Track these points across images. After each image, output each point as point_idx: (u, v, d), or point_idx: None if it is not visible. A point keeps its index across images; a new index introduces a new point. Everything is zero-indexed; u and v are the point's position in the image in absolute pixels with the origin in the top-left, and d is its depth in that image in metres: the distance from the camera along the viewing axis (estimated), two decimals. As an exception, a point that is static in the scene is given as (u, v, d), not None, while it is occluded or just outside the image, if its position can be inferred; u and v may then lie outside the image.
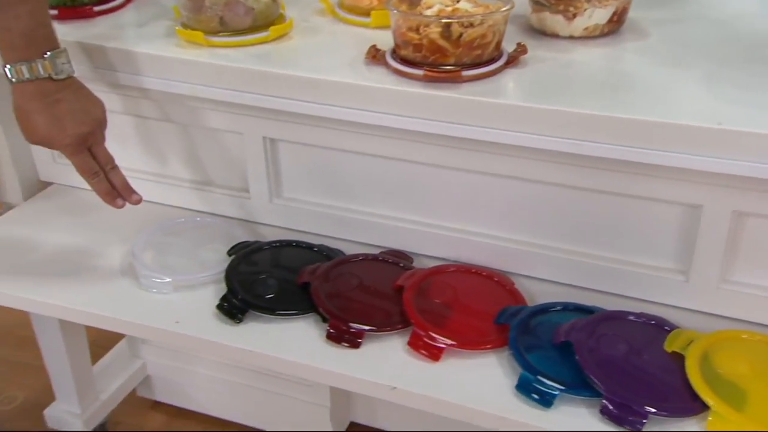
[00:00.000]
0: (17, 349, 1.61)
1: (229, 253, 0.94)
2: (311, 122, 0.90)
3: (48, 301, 0.89)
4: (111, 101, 0.91)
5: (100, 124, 0.87)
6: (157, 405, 1.47)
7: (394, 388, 0.76)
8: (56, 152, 1.07)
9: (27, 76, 0.80)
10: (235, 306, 0.85)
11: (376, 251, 0.94)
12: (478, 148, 0.83)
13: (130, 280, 0.92)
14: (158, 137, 1.03)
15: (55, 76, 0.81)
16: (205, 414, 1.42)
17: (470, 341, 0.79)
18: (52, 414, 1.29)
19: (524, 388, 0.73)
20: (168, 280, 0.89)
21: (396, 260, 0.92)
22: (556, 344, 0.76)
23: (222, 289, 0.89)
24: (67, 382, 1.26)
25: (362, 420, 1.38)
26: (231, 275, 0.89)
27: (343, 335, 0.81)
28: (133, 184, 1.02)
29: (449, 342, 0.78)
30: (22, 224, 1.03)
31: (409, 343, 0.80)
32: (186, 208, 1.05)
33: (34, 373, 1.54)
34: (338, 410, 1.34)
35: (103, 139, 0.88)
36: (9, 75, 0.80)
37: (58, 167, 1.09)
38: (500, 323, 0.81)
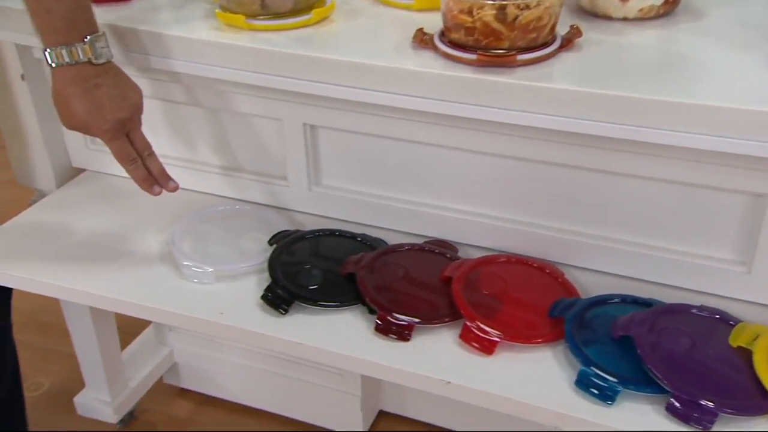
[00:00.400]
0: (40, 335, 1.60)
1: (270, 242, 0.91)
2: (354, 108, 0.87)
3: (87, 290, 0.87)
4: (143, 86, 0.88)
5: (138, 109, 0.85)
6: (184, 392, 1.46)
7: (449, 382, 0.74)
8: (89, 138, 1.05)
9: (67, 60, 0.78)
10: (280, 297, 0.83)
11: (418, 240, 0.92)
12: (528, 135, 0.81)
13: (169, 269, 0.90)
14: (190, 123, 1.01)
15: (94, 61, 0.79)
16: (232, 401, 1.41)
17: (524, 334, 0.77)
18: (81, 402, 1.28)
19: (584, 383, 0.71)
20: (210, 269, 0.87)
21: (441, 250, 0.89)
22: (614, 338, 0.74)
23: (264, 279, 0.87)
24: (97, 370, 1.24)
25: (391, 408, 1.37)
26: (274, 265, 0.87)
27: (391, 327, 0.79)
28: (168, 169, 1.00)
29: (502, 335, 0.76)
30: (57, 211, 1.01)
31: (461, 337, 0.78)
32: (219, 195, 1.03)
33: (59, 359, 1.53)
34: (368, 399, 1.33)
35: (140, 124, 0.86)
36: (49, 59, 0.78)
37: (91, 153, 1.07)
38: (554, 316, 0.79)
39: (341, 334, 0.81)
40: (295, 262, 0.88)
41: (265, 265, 0.88)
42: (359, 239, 0.92)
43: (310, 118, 0.92)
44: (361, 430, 1.30)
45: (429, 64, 0.81)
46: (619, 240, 0.85)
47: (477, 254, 0.90)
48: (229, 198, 1.02)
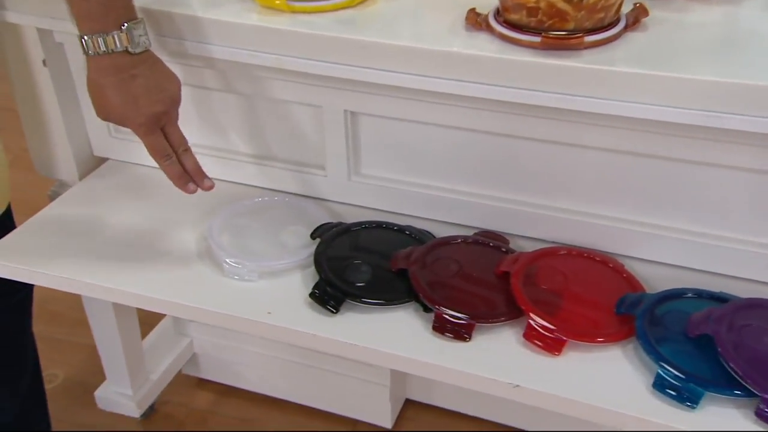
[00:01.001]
0: (51, 325, 1.55)
1: (313, 236, 0.87)
2: (398, 94, 0.82)
3: (124, 288, 0.83)
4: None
5: (175, 102, 0.80)
6: (204, 383, 1.43)
7: (517, 386, 0.71)
8: (113, 126, 1.00)
9: (103, 49, 0.73)
10: (329, 294, 0.79)
11: (464, 232, 0.88)
12: (591, 121, 0.77)
13: (209, 266, 0.85)
14: (222, 110, 0.96)
15: (131, 50, 0.74)
16: (254, 392, 1.38)
17: (591, 333, 0.74)
18: (103, 395, 1.24)
19: (662, 386, 0.68)
20: (254, 266, 0.83)
21: (494, 243, 0.85)
22: (690, 336, 0.71)
23: (310, 275, 0.83)
24: (119, 364, 1.20)
25: (418, 397, 1.34)
26: (320, 260, 0.82)
27: (450, 327, 0.76)
28: (199, 159, 0.96)
29: (570, 334, 0.73)
30: (84, 205, 0.96)
31: (525, 336, 0.74)
32: (252, 186, 0.98)
33: (71, 349, 1.49)
34: (397, 388, 1.30)
35: (176, 118, 0.81)
36: (85, 47, 0.73)
37: (114, 142, 1.02)
38: (622, 313, 0.75)
39: (396, 334, 0.77)
40: (341, 257, 0.84)
41: (310, 260, 0.84)
42: (407, 232, 0.88)
43: (351, 105, 0.87)
44: (390, 419, 1.27)
45: (485, 47, 0.76)
46: (685, 230, 0.81)
47: (527, 246, 0.87)
48: (263, 188, 0.97)
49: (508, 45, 0.76)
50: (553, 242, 0.87)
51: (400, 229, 0.88)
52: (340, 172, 0.93)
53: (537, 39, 0.73)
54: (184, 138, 0.82)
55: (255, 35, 0.82)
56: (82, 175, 1.02)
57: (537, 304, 0.75)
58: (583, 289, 0.78)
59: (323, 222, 0.89)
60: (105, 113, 0.78)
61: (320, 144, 0.92)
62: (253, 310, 0.79)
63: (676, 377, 0.67)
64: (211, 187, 0.84)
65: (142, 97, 0.76)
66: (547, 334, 0.73)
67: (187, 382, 1.43)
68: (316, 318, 0.79)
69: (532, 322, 0.74)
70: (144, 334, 1.34)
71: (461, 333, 0.75)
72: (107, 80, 0.75)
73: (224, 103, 0.94)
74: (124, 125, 0.79)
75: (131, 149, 1.01)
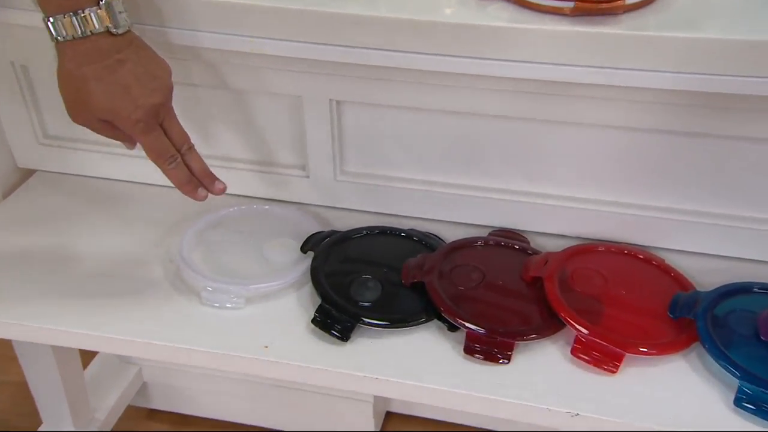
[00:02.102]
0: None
1: (304, 249, 0.74)
2: (393, 77, 0.70)
3: (77, 330, 0.67)
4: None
5: (170, 91, 0.66)
6: (155, 414, 1.28)
7: (576, 414, 0.60)
8: (40, 129, 0.84)
9: (80, 31, 0.59)
10: (335, 318, 0.66)
11: (474, 232, 0.77)
12: (626, 97, 0.67)
13: (182, 294, 0.71)
14: (183, 107, 0.81)
15: (114, 30, 0.60)
16: (216, 419, 1.24)
17: (648, 343, 0.64)
18: (42, 442, 1.08)
19: (747, 402, 0.58)
20: (239, 290, 0.69)
21: (518, 244, 0.75)
22: (765, 338, 0.62)
23: (307, 296, 0.70)
24: (58, 403, 1.05)
25: (398, 409, 1.25)
26: (319, 278, 0.70)
27: (484, 348, 0.64)
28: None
29: (626, 347, 0.63)
30: (10, 229, 0.80)
31: (574, 352, 0.64)
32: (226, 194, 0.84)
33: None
34: (380, 403, 1.19)
35: (173, 111, 0.67)
36: (53, 32, 0.59)
37: (43, 150, 0.85)
38: (677, 317, 0.65)
39: (422, 361, 0.65)
40: (343, 272, 0.71)
41: (306, 278, 0.71)
42: (415, 237, 0.76)
43: (337, 93, 0.74)
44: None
45: (503, 16, 0.65)
46: (724, 215, 0.72)
47: (548, 244, 0.76)
48: (234, 195, 0.83)
49: (531, 13, 0.65)
50: (576, 237, 0.77)
51: (405, 235, 0.76)
52: (324, 172, 0.80)
53: (571, 4, 0.63)
54: (186, 134, 0.68)
55: (221, 14, 0.68)
56: (6, 193, 0.85)
57: (581, 313, 0.65)
58: (628, 291, 0.69)
59: (312, 231, 0.76)
60: (86, 112, 0.63)
61: (300, 140, 0.79)
62: (245, 345, 0.66)
63: (760, 391, 0.58)
64: (223, 190, 0.70)
65: (134, 86, 0.62)
66: (600, 348, 0.63)
67: (137, 415, 1.28)
68: (323, 348, 0.66)
69: (581, 335, 0.64)
70: (84, 364, 1.17)
71: (498, 354, 0.64)
72: (89, 69, 0.60)
73: (186, 98, 0.79)
74: (117, 124, 0.64)
75: (66, 157, 0.85)
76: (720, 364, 0.61)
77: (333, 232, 0.76)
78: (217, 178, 0.70)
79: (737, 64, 0.60)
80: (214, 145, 0.81)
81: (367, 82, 0.72)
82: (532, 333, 0.65)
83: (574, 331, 0.64)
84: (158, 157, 0.65)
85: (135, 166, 0.83)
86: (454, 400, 0.63)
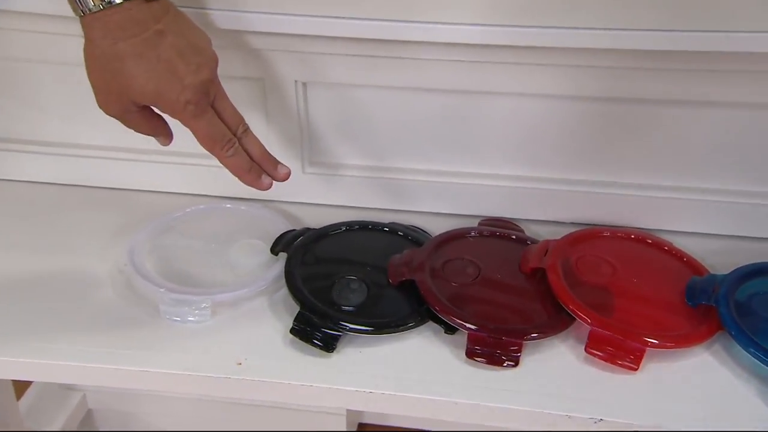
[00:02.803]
0: None
1: (274, 250, 0.65)
2: (361, 51, 0.63)
3: (23, 359, 0.57)
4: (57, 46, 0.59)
5: (217, 65, 0.57)
6: (104, 440, 1.17)
7: (600, 420, 0.53)
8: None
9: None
10: (316, 326, 0.58)
11: (459, 223, 0.69)
12: (619, 64, 0.61)
13: (136, 306, 0.61)
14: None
15: None
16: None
17: (668, 335, 0.58)
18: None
19: (787, 393, 0.53)
20: (203, 300, 0.60)
21: (508, 232, 0.68)
22: (796, 324, 0.56)
23: (282, 303, 0.62)
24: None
25: (372, 420, 1.18)
26: (295, 282, 0.61)
27: (490, 351, 0.57)
28: (98, 166, 0.72)
29: (645, 341, 0.56)
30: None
31: (589, 349, 0.57)
32: (174, 192, 0.75)
33: None
34: (352, 415, 1.11)
35: (222, 88, 0.58)
36: (79, 2, 0.50)
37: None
38: (696, 304, 0.60)
39: (420, 370, 0.57)
40: (322, 274, 0.63)
41: (278, 283, 0.63)
42: (400, 232, 0.68)
43: (304, 73, 0.66)
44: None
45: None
46: (739, 192, 0.67)
47: (542, 232, 0.70)
48: (189, 195, 0.74)
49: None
50: (572, 223, 0.71)
51: (388, 229, 0.68)
52: (290, 164, 0.71)
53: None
54: (240, 114, 0.59)
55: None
56: None
57: (592, 306, 0.58)
58: (639, 279, 0.62)
59: (281, 230, 0.68)
60: (124, 98, 0.53)
61: (262, 129, 0.70)
62: (215, 364, 0.57)
63: (801, 380, 0.52)
64: (288, 175, 0.62)
65: (179, 62, 0.52)
66: (617, 343, 0.56)
67: (82, 445, 1.17)
68: (305, 362, 0.57)
69: (595, 330, 0.57)
70: (19, 393, 1.06)
71: (504, 357, 0.57)
72: (126, 45, 0.51)
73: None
74: (161, 107, 0.55)
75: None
76: (750, 353, 0.55)
77: (306, 230, 0.67)
78: (280, 162, 0.61)
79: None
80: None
81: (336, 59, 0.64)
82: (540, 330, 0.58)
83: (587, 326, 0.58)
84: (214, 144, 0.56)
85: (63, 165, 0.73)
86: (460, 413, 0.55)
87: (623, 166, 0.68)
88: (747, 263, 0.62)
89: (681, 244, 0.67)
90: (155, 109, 0.57)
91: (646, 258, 0.64)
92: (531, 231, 0.70)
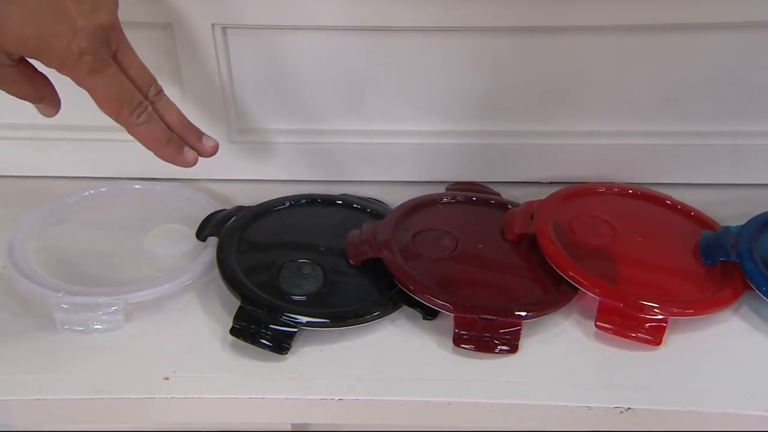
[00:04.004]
0: None
1: (201, 235, 0.52)
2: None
3: None
4: None
5: (117, 7, 0.44)
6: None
7: (628, 409, 0.43)
8: None
9: None
10: (264, 323, 0.46)
11: (421, 191, 0.58)
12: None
13: (24, 318, 0.47)
14: None
15: None
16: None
17: (688, 301, 0.48)
18: None
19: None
20: (113, 302, 0.46)
21: (484, 196, 0.57)
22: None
23: (218, 299, 0.49)
24: None
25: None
26: (231, 271, 0.48)
27: (482, 335, 0.46)
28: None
29: (667, 309, 0.46)
30: None
31: (599, 323, 0.47)
32: (66, 176, 0.61)
33: None
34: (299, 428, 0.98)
35: (126, 39, 0.45)
36: None
37: None
38: (714, 261, 0.50)
39: (399, 365, 0.46)
40: (265, 260, 0.50)
41: (210, 275, 0.50)
42: (355, 205, 0.56)
43: (223, 15, 0.54)
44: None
45: None
46: (738, 132, 0.58)
47: (520, 196, 0.59)
48: (85, 178, 0.60)
49: None
50: (551, 183, 0.61)
51: (341, 202, 0.56)
52: (215, 132, 0.58)
53: None
54: (150, 74, 0.46)
55: None
56: None
57: (597, 272, 0.49)
58: (645, 239, 0.53)
59: (207, 212, 0.55)
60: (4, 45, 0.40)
61: (175, 92, 0.57)
62: (135, 381, 0.43)
63: None
64: (215, 149, 0.50)
65: (69, 2, 0.40)
66: (632, 316, 0.46)
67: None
68: (253, 369, 0.45)
69: (606, 301, 0.47)
70: None
71: (497, 341, 0.46)
72: None
73: None
74: (45, 60, 0.41)
75: None
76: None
77: (239, 209, 0.55)
78: (204, 133, 0.49)
79: None
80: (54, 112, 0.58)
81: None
82: (539, 306, 0.48)
83: (593, 297, 0.47)
84: (121, 108, 0.43)
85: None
86: (456, 415, 0.44)
87: (606, 112, 0.58)
88: (759, 213, 0.54)
89: (679, 197, 0.58)
90: (37, 65, 0.44)
91: (648, 215, 0.55)
92: (507, 196, 0.60)
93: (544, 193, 0.57)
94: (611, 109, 0.58)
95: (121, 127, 0.52)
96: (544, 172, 0.60)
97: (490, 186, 0.60)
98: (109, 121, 0.55)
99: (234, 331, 0.45)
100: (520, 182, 0.61)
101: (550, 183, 0.61)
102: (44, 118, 0.48)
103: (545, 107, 0.58)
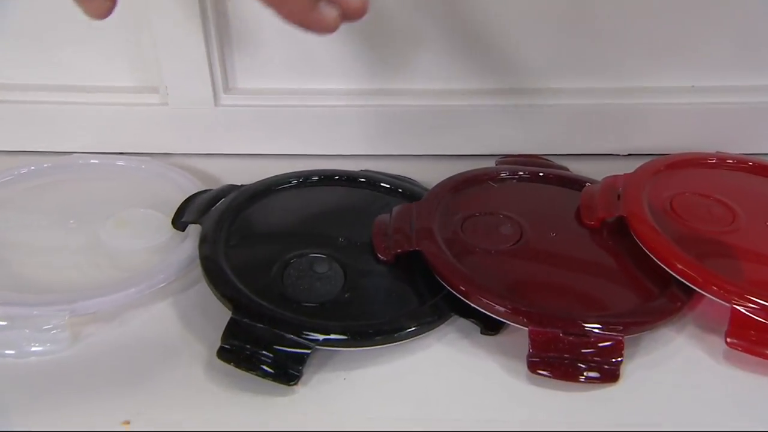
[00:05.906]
0: None
1: (179, 223, 0.39)
2: None
3: None
4: None
5: None
6: None
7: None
8: None
9: None
10: (263, 342, 0.32)
11: (453, 168, 0.45)
12: None
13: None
14: None
15: None
16: None
17: None
18: None
19: None
20: (54, 316, 0.33)
21: (552, 171, 0.44)
22: None
23: (199, 308, 0.36)
24: None
25: None
26: (218, 271, 0.35)
27: (565, 358, 0.33)
28: None
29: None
30: None
31: (730, 339, 0.34)
32: (5, 150, 0.48)
33: None
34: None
35: None
36: None
37: None
38: None
39: (453, 396, 0.33)
40: (264, 256, 0.37)
41: (191, 275, 0.37)
42: (384, 184, 0.43)
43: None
44: None
45: None
46: None
47: (589, 171, 0.46)
48: (24, 152, 0.47)
49: None
50: (629, 155, 0.48)
51: (363, 180, 0.43)
52: (196, 93, 0.45)
53: None
54: None
55: None
56: None
57: (723, 270, 0.36)
58: (758, 220, 0.40)
59: (188, 193, 0.42)
60: None
61: (148, 43, 0.44)
62: (83, 426, 0.30)
63: None
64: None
65: None
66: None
67: None
68: (249, 406, 0.32)
69: (740, 309, 0.34)
70: None
71: (592, 366, 0.33)
72: None
73: None
74: None
75: None
76: None
77: (230, 189, 0.41)
78: None
79: None
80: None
81: None
82: (646, 317, 0.35)
83: (721, 303, 0.34)
84: None
85: None
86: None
87: (710, 64, 0.45)
88: None
89: None
90: None
91: (747, 190, 0.42)
92: (573, 170, 0.47)
93: (621, 168, 0.44)
94: (717, 59, 0.45)
95: (73, 87, 0.39)
96: (622, 141, 0.47)
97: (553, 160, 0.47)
98: (57, 80, 0.42)
99: (222, 354, 0.32)
100: (587, 155, 0.48)
101: (628, 155, 0.47)
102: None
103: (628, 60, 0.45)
